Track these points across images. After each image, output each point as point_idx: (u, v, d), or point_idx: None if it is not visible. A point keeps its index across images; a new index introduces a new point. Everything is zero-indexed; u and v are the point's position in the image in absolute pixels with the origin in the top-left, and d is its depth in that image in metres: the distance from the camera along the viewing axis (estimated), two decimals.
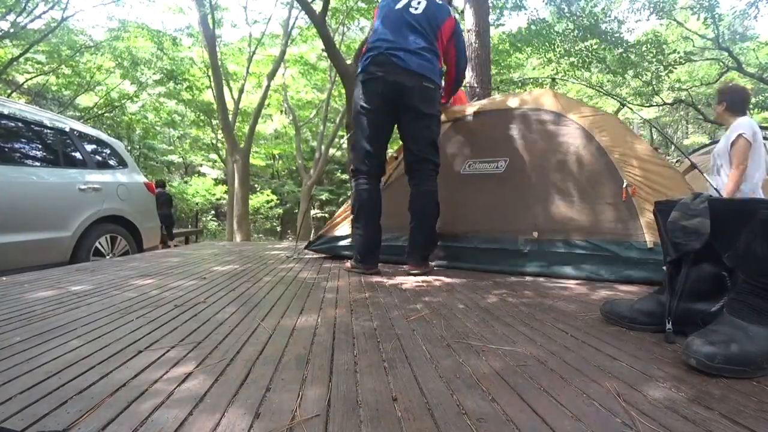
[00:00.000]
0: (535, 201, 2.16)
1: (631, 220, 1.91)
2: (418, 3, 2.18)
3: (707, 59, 12.41)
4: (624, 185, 1.93)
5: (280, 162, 21.24)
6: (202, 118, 15.17)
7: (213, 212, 19.72)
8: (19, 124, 2.94)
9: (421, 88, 2.10)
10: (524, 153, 2.25)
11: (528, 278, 1.96)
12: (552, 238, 2.08)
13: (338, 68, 7.42)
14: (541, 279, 1.94)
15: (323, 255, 2.84)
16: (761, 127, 2.68)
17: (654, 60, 9.19)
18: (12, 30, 9.47)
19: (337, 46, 8.71)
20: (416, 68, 2.08)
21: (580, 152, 2.10)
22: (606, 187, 2.01)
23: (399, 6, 2.18)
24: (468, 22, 5.03)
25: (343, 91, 9.66)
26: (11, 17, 9.41)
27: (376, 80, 2.12)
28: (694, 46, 11.42)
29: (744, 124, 2.50)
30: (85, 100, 13.46)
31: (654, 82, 10.26)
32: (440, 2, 2.23)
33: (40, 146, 3.11)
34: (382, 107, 2.15)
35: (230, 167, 12.19)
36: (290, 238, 17.15)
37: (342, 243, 2.67)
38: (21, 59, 10.27)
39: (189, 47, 13.98)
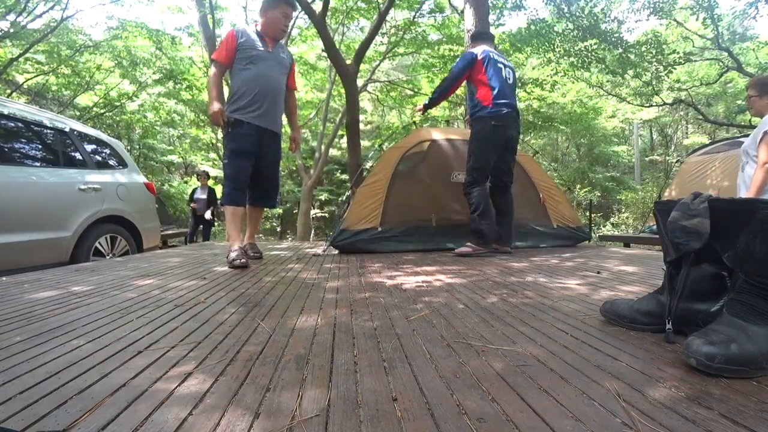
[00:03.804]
0: None
1: (545, 213, 3.71)
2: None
3: (707, 59, 12.40)
4: (540, 196, 3.72)
5: (280, 162, 21.20)
6: (202, 117, 15.15)
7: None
8: (19, 124, 2.94)
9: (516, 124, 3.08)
10: None
11: (528, 278, 1.97)
12: (516, 222, 3.33)
13: (338, 68, 7.42)
14: (542, 279, 1.94)
15: (340, 252, 3.20)
16: None
17: (654, 60, 9.18)
18: (12, 30, 9.46)
19: (337, 46, 8.71)
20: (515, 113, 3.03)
21: (519, 175, 3.48)
22: (535, 195, 3.73)
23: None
24: (468, 22, 5.03)
25: (342, 91, 9.65)
26: (11, 17, 9.40)
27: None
28: (693, 46, 11.41)
29: None
30: (85, 100, 13.45)
31: (654, 83, 10.25)
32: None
33: (40, 146, 3.11)
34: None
35: None
36: (290, 239, 17.13)
37: (364, 237, 3.15)
38: (21, 59, 10.26)
39: (189, 47, 13.96)
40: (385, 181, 3.34)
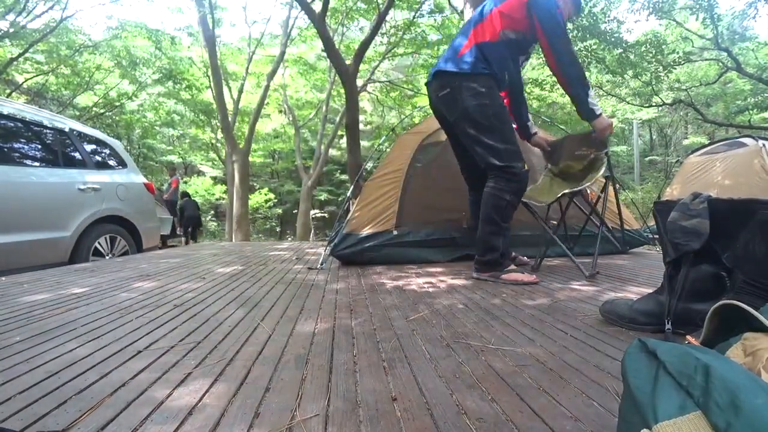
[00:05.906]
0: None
1: (596, 214, 2.80)
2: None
3: (706, 59, 12.41)
4: (588, 192, 2.80)
5: (280, 162, 21.25)
6: (201, 117, 15.17)
7: (212, 212, 19.71)
8: (19, 124, 2.94)
9: (440, 98, 2.01)
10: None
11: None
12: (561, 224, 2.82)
13: (338, 68, 7.42)
14: (542, 279, 1.94)
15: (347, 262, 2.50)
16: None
17: (653, 60, 9.18)
18: (12, 30, 9.46)
19: (337, 46, 8.71)
20: (432, 78, 2.03)
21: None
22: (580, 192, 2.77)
23: None
24: None
25: (342, 91, 9.65)
26: (11, 17, 9.40)
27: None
28: (693, 46, 11.41)
29: None
30: (84, 100, 13.46)
31: (653, 83, 10.25)
32: None
33: (39, 146, 3.10)
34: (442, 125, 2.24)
35: (230, 168, 12.20)
36: (290, 239, 17.14)
37: (375, 243, 2.50)
38: (20, 59, 10.26)
39: (188, 47, 13.97)
40: (401, 171, 2.67)
